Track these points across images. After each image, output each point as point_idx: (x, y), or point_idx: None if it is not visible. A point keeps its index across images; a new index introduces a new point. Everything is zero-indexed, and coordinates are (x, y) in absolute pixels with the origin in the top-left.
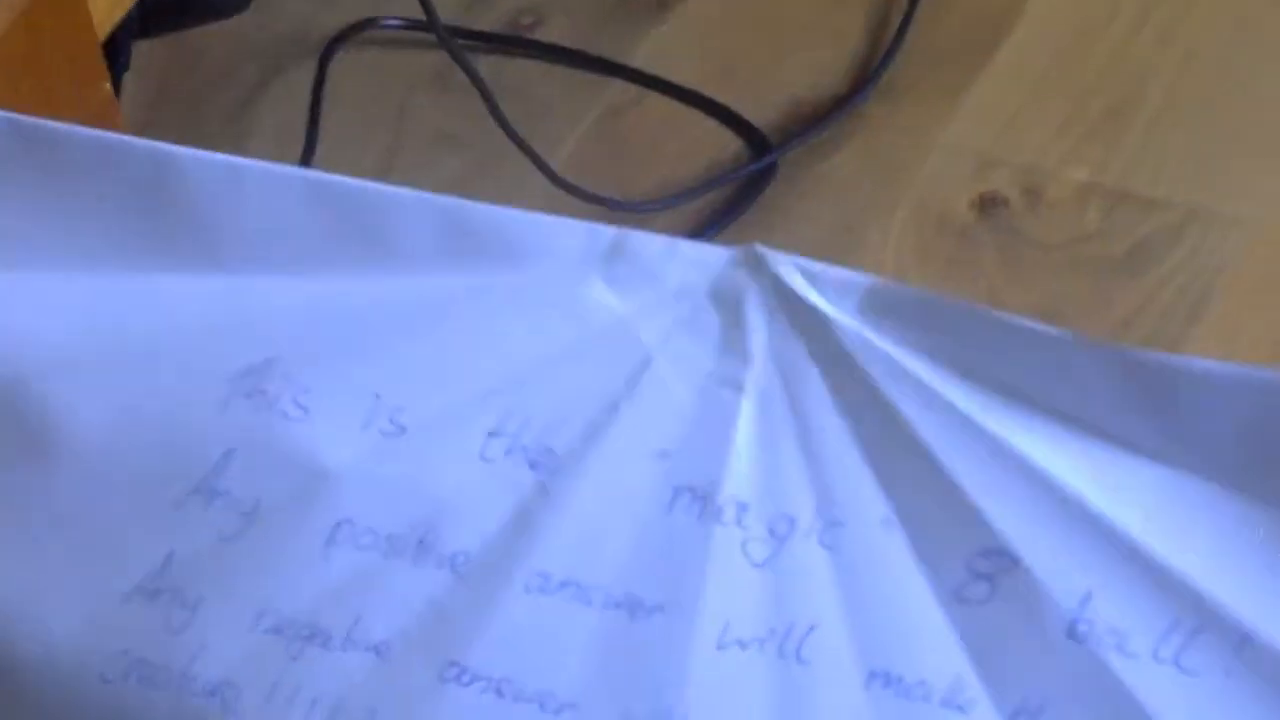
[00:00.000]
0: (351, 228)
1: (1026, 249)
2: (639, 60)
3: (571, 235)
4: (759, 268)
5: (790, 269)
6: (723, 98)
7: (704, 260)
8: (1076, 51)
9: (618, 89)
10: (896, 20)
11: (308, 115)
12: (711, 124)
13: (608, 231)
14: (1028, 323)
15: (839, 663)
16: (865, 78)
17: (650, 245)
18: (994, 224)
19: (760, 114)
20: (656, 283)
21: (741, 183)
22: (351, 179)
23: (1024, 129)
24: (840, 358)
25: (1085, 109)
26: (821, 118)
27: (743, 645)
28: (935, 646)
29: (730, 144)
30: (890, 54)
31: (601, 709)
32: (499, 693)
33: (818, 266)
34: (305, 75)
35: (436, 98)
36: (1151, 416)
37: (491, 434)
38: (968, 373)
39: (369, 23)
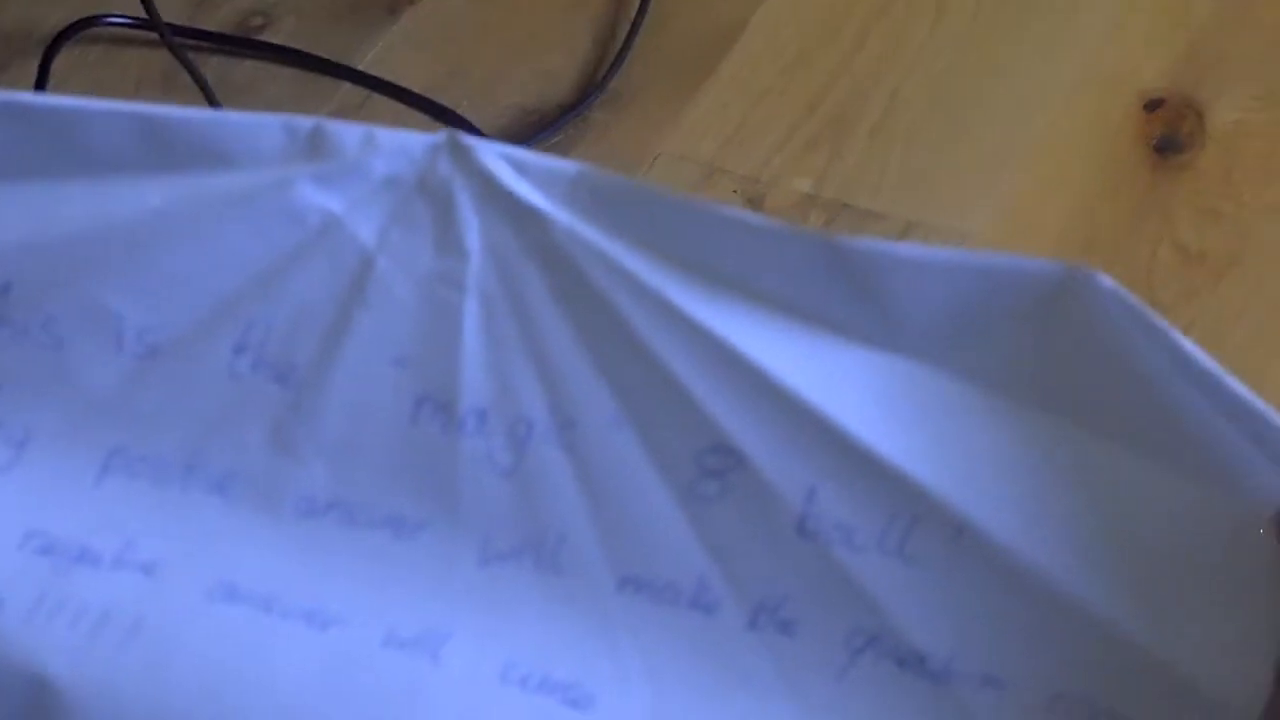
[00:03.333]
0: (50, 142)
1: None
2: (367, 63)
3: (269, 132)
4: (463, 156)
5: (496, 158)
6: (450, 102)
7: (405, 149)
8: (799, 66)
9: (346, 91)
10: (624, 31)
11: None
12: (438, 128)
13: (304, 123)
14: (737, 213)
15: (591, 571)
16: (592, 86)
17: (349, 136)
18: None
19: (487, 120)
20: (362, 176)
21: None
22: (39, 96)
23: (747, 140)
24: (554, 252)
25: (807, 122)
26: (548, 124)
27: (502, 560)
28: (676, 547)
29: None
30: (617, 63)
31: (368, 625)
32: (266, 609)
33: (523, 155)
34: (28, 73)
35: (162, 97)
36: (862, 302)
37: (237, 349)
38: (682, 264)
39: (93, 20)
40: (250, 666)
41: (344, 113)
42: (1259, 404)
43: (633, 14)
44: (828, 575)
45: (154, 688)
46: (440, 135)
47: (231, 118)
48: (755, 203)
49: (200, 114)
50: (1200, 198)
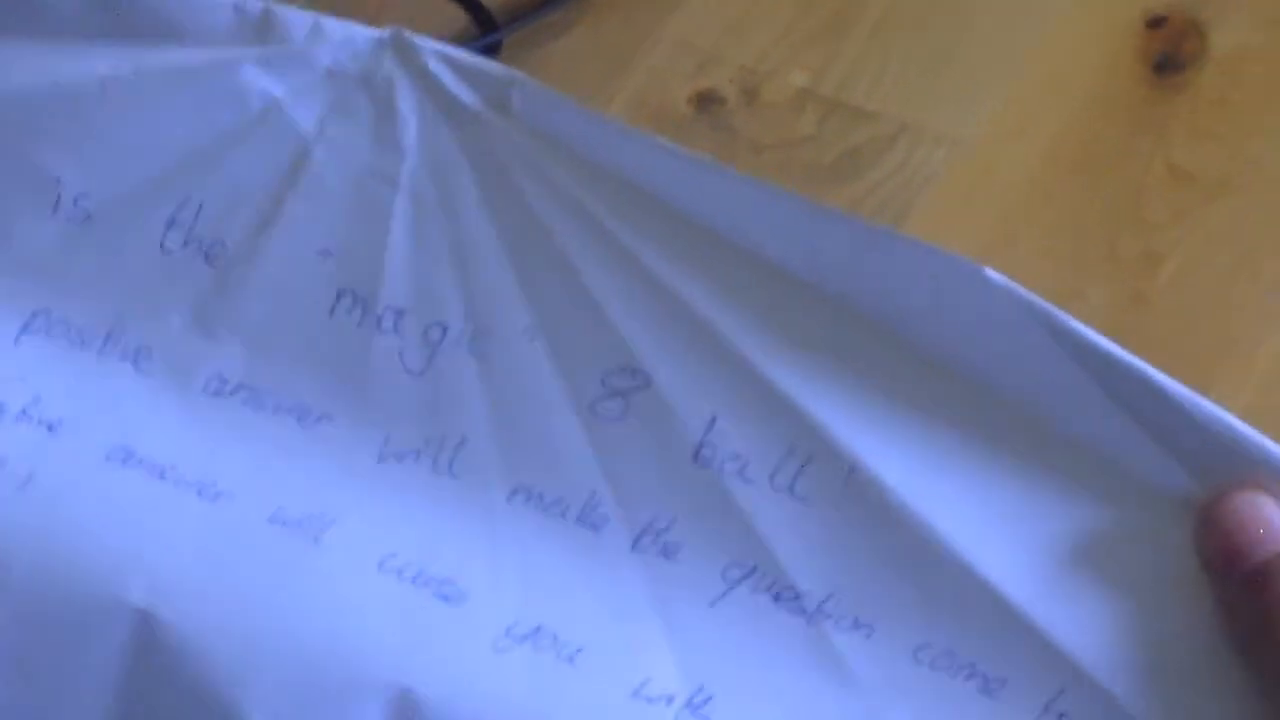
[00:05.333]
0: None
1: (740, 148)
2: None
3: (220, 10)
4: (407, 55)
5: (438, 59)
6: None
7: (352, 42)
8: None
9: None
10: None
11: None
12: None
13: (254, 6)
14: (671, 144)
15: (486, 476)
16: None
17: (297, 23)
18: (711, 121)
19: None
20: (306, 65)
21: None
22: None
23: (747, 31)
24: (487, 157)
25: (809, 17)
26: (549, 1)
27: (399, 458)
28: (572, 462)
29: (457, 19)
30: None
31: (256, 501)
32: (160, 477)
33: (465, 59)
34: None
35: None
36: (790, 247)
37: (169, 224)
38: (612, 185)
39: None
40: (135, 527)
41: None
42: (1172, 391)
43: None
44: (717, 504)
45: (39, 538)
46: (385, 31)
47: None
48: (750, 94)
49: None
50: (1196, 119)
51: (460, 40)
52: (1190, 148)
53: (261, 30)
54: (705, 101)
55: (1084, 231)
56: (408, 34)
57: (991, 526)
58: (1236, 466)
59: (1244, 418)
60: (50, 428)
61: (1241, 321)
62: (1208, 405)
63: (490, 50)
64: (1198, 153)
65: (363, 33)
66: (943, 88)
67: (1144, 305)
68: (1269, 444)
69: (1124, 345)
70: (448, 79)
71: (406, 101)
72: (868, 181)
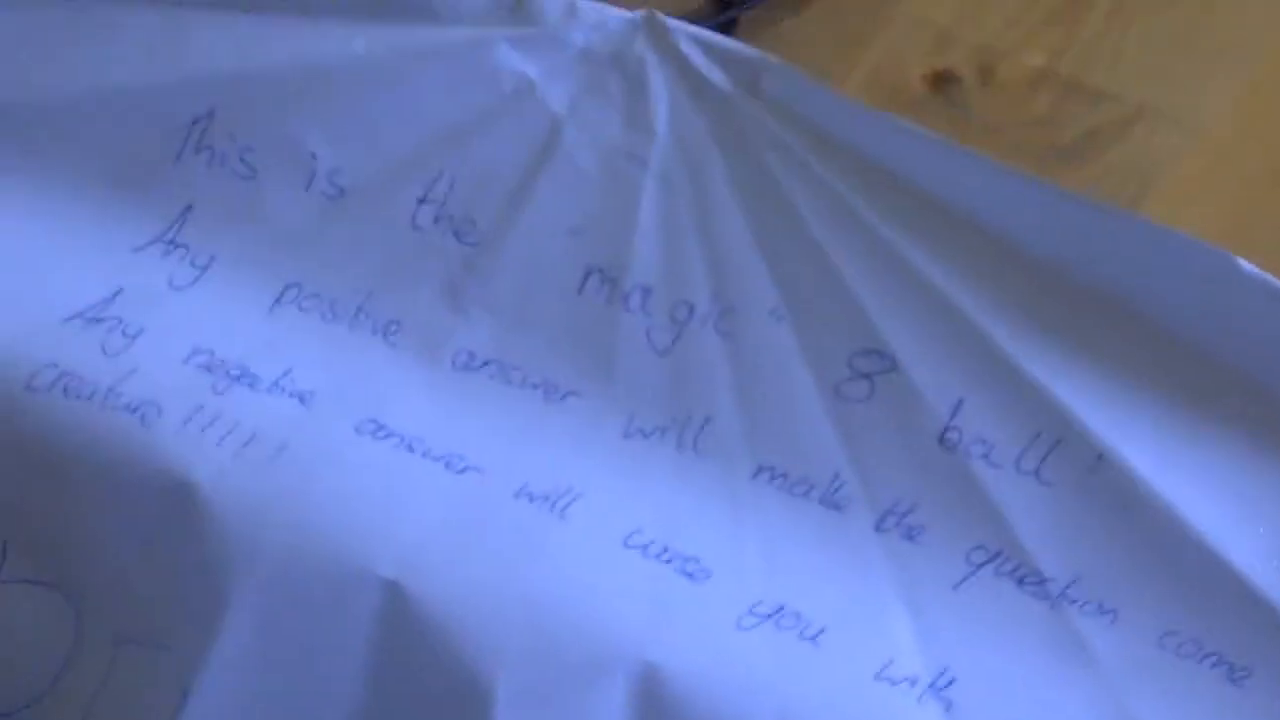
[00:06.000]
0: None
1: (975, 128)
2: None
3: None
4: (661, 36)
5: (689, 41)
6: None
7: (605, 23)
8: None
9: None
10: None
11: None
12: None
13: None
14: (920, 129)
15: (730, 455)
16: None
17: (552, 5)
18: (946, 100)
19: None
20: (560, 45)
21: None
22: None
23: (985, 9)
24: (738, 139)
25: None
26: None
27: (645, 435)
28: (817, 443)
29: None
30: None
31: (503, 476)
32: (410, 449)
33: (717, 40)
34: None
35: None
36: (1042, 233)
37: (421, 201)
38: (861, 168)
39: None
40: (385, 498)
41: None
42: None
43: None
44: (962, 488)
45: (291, 508)
46: (638, 13)
47: None
48: (985, 72)
49: None
50: None
51: (696, 17)
52: None
53: (516, 11)
54: (940, 80)
55: None
56: (660, 15)
57: (1239, 515)
58: None
59: None
60: (302, 399)
61: None
62: None
63: (726, 27)
64: None
65: (616, 14)
66: (1183, 70)
67: None
68: None
69: None
70: (699, 60)
71: (658, 82)
72: (1103, 164)
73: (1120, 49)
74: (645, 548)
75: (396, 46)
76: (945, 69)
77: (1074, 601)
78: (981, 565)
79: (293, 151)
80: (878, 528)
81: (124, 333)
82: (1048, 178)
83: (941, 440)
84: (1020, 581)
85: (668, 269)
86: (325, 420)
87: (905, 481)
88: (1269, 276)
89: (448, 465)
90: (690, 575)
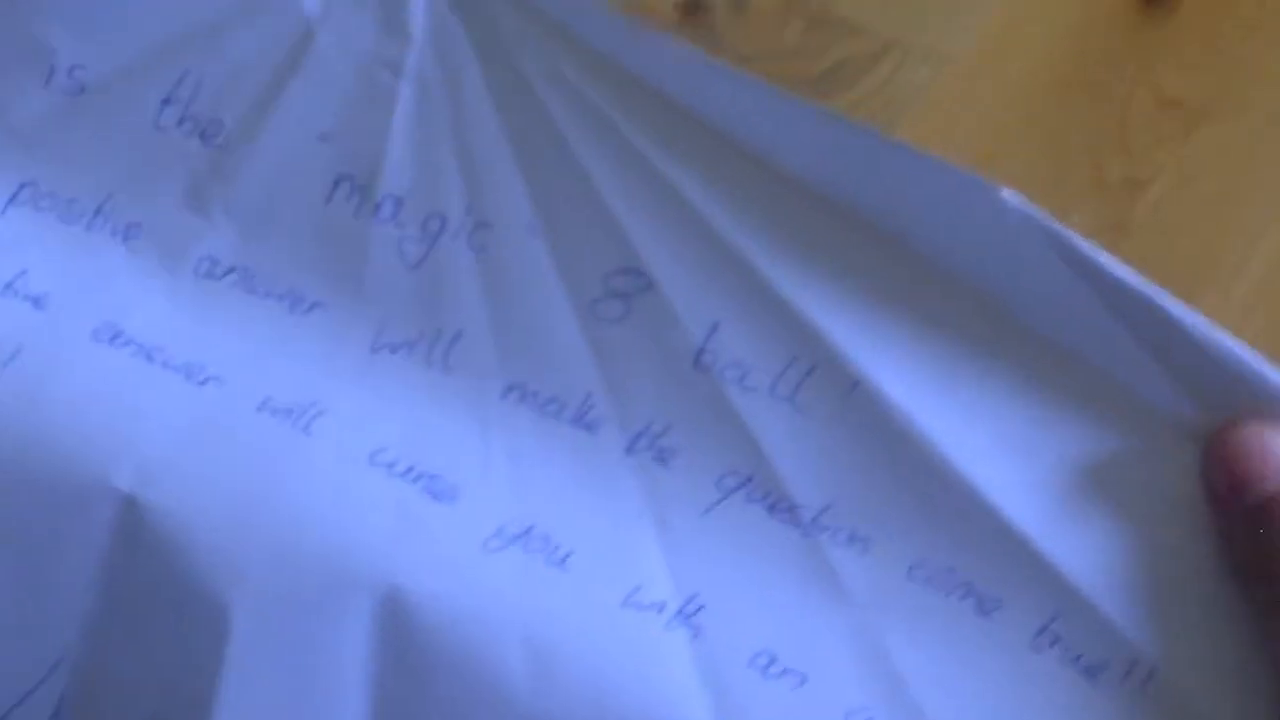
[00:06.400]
0: None
1: (726, 57)
2: None
3: None
4: None
5: None
6: None
7: None
8: None
9: None
10: None
11: None
12: None
13: None
14: (687, 45)
15: (480, 372)
16: None
17: None
18: (696, 28)
19: None
20: None
21: None
22: None
23: None
24: (497, 49)
25: None
26: None
27: (393, 349)
28: (569, 362)
29: None
30: None
31: (246, 388)
32: (148, 358)
33: None
34: None
35: None
36: (788, 140)
37: (165, 101)
38: (622, 82)
39: None
40: (123, 408)
41: None
42: (1183, 318)
43: None
44: (715, 411)
45: (25, 416)
46: None
47: None
48: (736, 4)
49: None
50: (1184, 47)
51: None
52: (1177, 75)
53: None
54: (691, 8)
55: (1068, 155)
56: None
57: (995, 446)
58: (1245, 397)
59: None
60: (36, 302)
61: (1221, 249)
62: (1218, 333)
63: None
64: (1184, 80)
65: None
66: (931, 4)
67: (1126, 231)
68: (1273, 371)
69: None
70: None
71: None
72: (853, 96)
73: None
74: (391, 466)
75: None
76: None
77: (825, 529)
78: (733, 491)
79: (30, 46)
80: (629, 450)
81: None
82: None
83: (696, 363)
84: (771, 508)
85: (421, 180)
86: (61, 325)
87: (659, 404)
88: (1031, 208)
89: (188, 375)
90: (437, 495)
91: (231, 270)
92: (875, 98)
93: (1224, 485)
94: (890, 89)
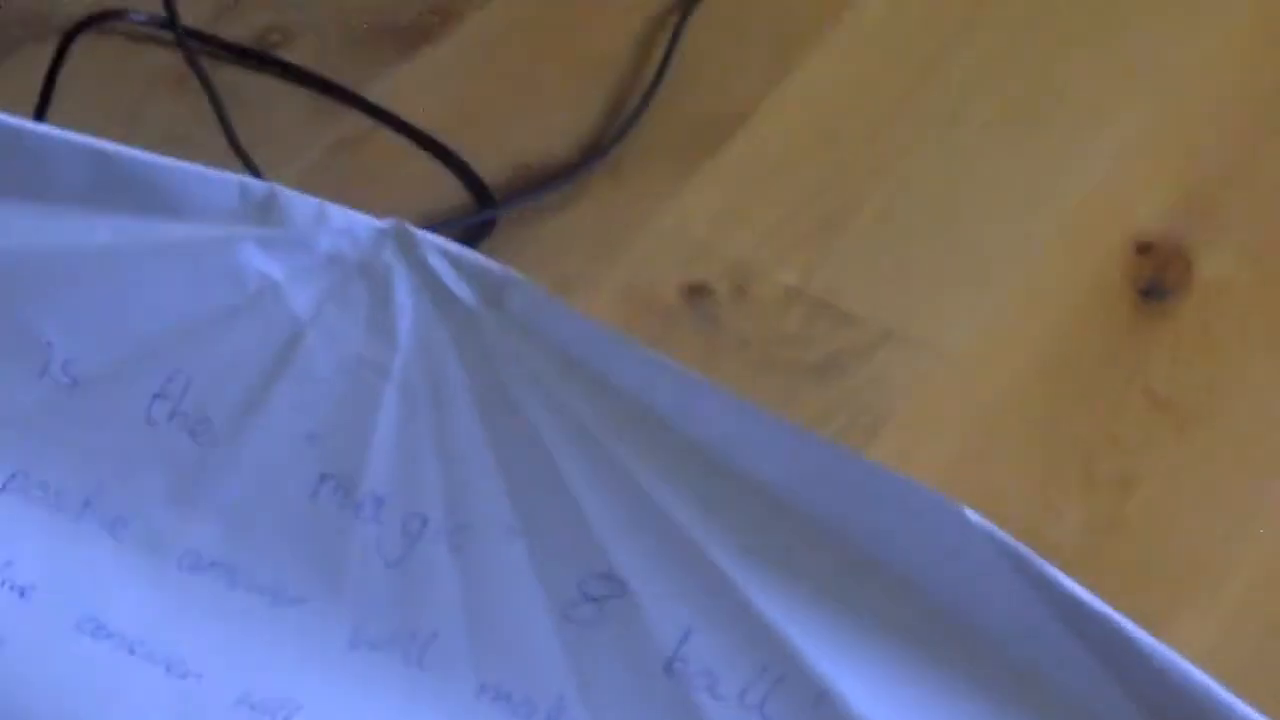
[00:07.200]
0: (11, 163)
1: (726, 341)
2: (379, 95)
3: (224, 189)
4: (408, 247)
5: (437, 254)
6: (455, 146)
7: (353, 230)
8: (803, 159)
9: (353, 119)
10: (636, 100)
11: (38, 97)
12: (439, 169)
13: (259, 187)
14: (664, 358)
15: (455, 672)
16: (595, 151)
17: (301, 208)
18: (698, 313)
19: (489, 169)
20: (307, 249)
21: (460, 233)
22: (4, 117)
23: (741, 226)
24: (481, 354)
25: (801, 215)
26: (547, 182)
27: (373, 647)
28: (543, 665)
29: (455, 193)
30: (624, 132)
31: (224, 683)
32: (130, 651)
33: (465, 255)
34: (43, 58)
35: (171, 101)
36: (762, 454)
37: (156, 396)
38: (602, 392)
39: (115, 14)
40: (103, 701)
41: (349, 141)
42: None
43: (647, 85)
44: (685, 718)
45: (6, 704)
46: (388, 222)
47: (191, 169)
48: (738, 289)
49: (160, 161)
50: (1177, 347)
51: (455, 214)
52: (1169, 375)
53: (264, 211)
54: (694, 293)
55: (1059, 451)
56: (409, 226)
57: None
58: (1197, 717)
59: (1213, 646)
60: (22, 593)
61: (1212, 550)
62: (1172, 656)
63: (486, 226)
64: (1176, 380)
65: (365, 221)
66: (930, 296)
67: (1117, 529)
68: (1229, 697)
69: (1096, 568)
70: (446, 273)
71: (403, 292)
72: (849, 385)
73: (871, 273)
74: None
75: (140, 239)
76: (699, 282)
77: None
78: None
79: (26, 337)
80: None
81: None
82: (794, 395)
83: (668, 669)
84: None
85: (403, 480)
86: (45, 616)
87: (629, 709)
88: (994, 529)
89: (168, 669)
90: None
91: (215, 564)
92: (870, 387)
93: None
94: (885, 379)
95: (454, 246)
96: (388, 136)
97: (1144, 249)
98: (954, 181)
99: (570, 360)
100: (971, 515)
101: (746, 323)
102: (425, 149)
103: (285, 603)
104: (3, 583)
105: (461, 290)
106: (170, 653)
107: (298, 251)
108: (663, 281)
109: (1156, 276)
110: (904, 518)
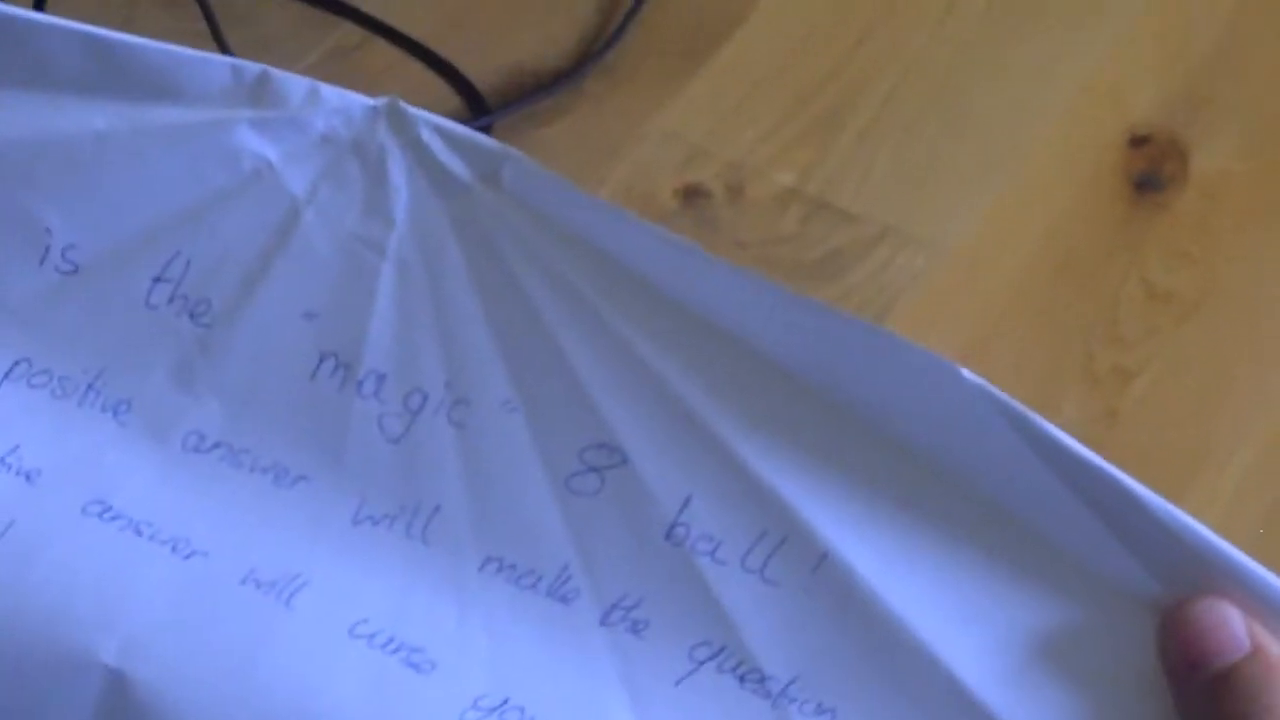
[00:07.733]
0: (5, 50)
1: (724, 243)
2: (371, 4)
3: (217, 71)
4: (402, 124)
5: (431, 130)
6: (448, 54)
7: (346, 109)
8: (798, 57)
9: (345, 30)
10: (629, 3)
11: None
12: (433, 78)
13: (252, 69)
14: (659, 228)
15: (458, 546)
16: (590, 55)
17: (294, 88)
18: (695, 215)
19: (482, 75)
20: (301, 128)
21: None
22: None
23: (737, 127)
24: (476, 229)
25: (798, 115)
26: (542, 88)
27: (374, 522)
28: (546, 535)
29: (449, 100)
30: (617, 36)
31: (230, 561)
32: (137, 532)
33: (458, 131)
34: None
35: (165, 10)
36: (758, 321)
37: (156, 279)
38: (598, 263)
39: None
40: (111, 582)
41: (340, 52)
42: (1139, 494)
43: None
44: (687, 583)
45: (13, 589)
46: (381, 100)
47: (184, 53)
48: (735, 190)
49: (153, 45)
50: (1173, 239)
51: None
52: (1166, 266)
53: (258, 93)
54: (691, 195)
55: (1059, 344)
56: (403, 104)
57: (958, 619)
58: (1201, 573)
59: (1214, 532)
60: (28, 477)
61: (1210, 440)
62: (1173, 510)
63: (481, 133)
64: (1173, 272)
65: (358, 100)
66: (927, 193)
67: (1116, 420)
68: (1233, 551)
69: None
70: (440, 150)
71: (398, 170)
72: (848, 283)
73: (868, 171)
74: (371, 637)
75: (136, 124)
76: (695, 184)
77: (793, 700)
78: (704, 662)
79: (25, 225)
80: (603, 621)
81: None
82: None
83: (669, 536)
84: (742, 679)
85: (402, 357)
86: (51, 499)
87: (632, 576)
88: (990, 386)
89: (174, 549)
90: (415, 666)
91: (218, 445)
92: (870, 284)
93: (1181, 660)
94: (885, 276)
95: (448, 123)
96: (381, 46)
97: (1139, 142)
98: (952, 76)
99: (568, 234)
100: (967, 374)
101: (744, 224)
102: (419, 58)
103: (288, 481)
104: (10, 468)
105: (457, 166)
106: (175, 533)
107: (292, 132)
108: (659, 184)
109: (1151, 170)
110: (901, 379)
